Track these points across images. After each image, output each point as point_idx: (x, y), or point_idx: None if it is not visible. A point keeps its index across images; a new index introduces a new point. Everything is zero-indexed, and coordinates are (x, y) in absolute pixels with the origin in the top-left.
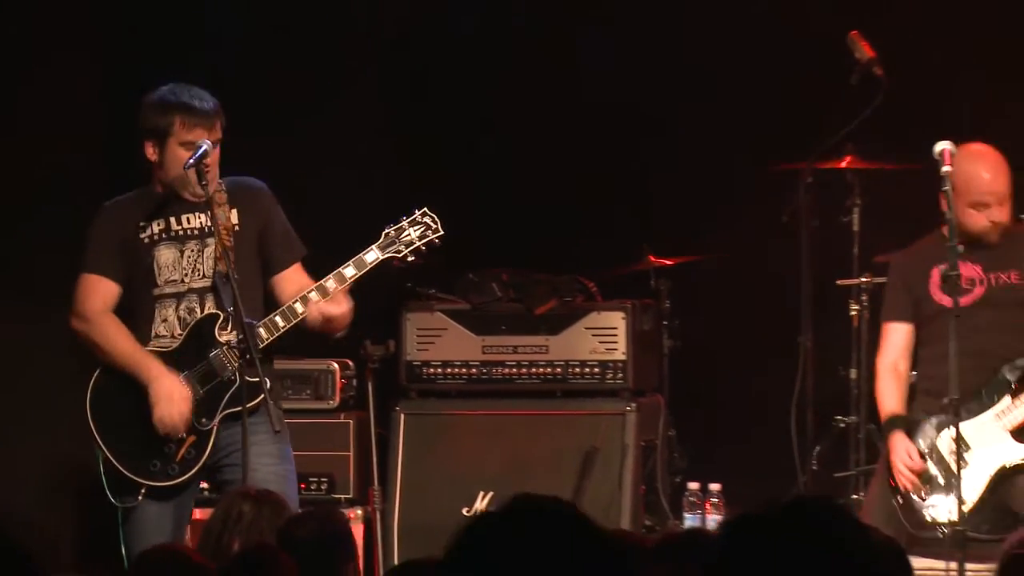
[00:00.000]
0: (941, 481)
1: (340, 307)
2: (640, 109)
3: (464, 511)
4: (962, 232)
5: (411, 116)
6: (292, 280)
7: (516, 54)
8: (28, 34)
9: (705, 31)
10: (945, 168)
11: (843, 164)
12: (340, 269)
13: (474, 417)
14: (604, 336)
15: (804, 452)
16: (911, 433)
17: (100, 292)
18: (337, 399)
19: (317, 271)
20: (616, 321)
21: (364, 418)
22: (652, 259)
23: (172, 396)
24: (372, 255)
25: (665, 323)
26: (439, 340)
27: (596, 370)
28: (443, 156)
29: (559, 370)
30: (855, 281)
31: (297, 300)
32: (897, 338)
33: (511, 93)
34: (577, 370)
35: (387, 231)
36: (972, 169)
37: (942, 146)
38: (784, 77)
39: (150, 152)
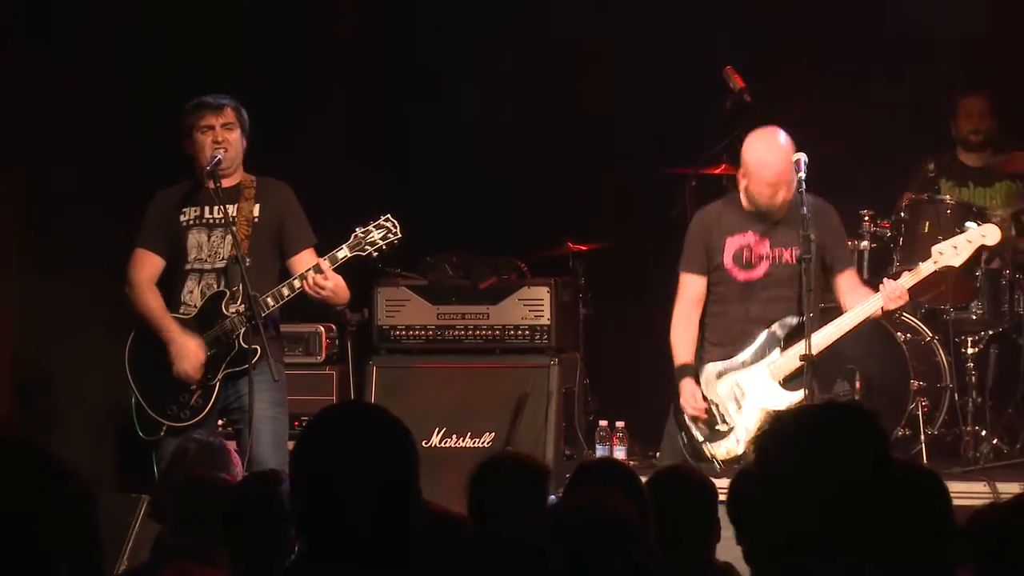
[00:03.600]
0: (718, 422)
1: (329, 282)
2: (563, 128)
3: (423, 443)
4: (755, 204)
5: (378, 129)
6: (302, 262)
7: (448, 68)
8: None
9: (611, 59)
10: (799, 174)
11: (719, 171)
12: (323, 259)
13: (431, 369)
14: (533, 306)
15: None
16: (697, 379)
17: (147, 264)
18: (323, 355)
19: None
20: (543, 294)
21: (344, 370)
22: (570, 245)
23: (188, 351)
24: (343, 252)
25: (581, 295)
26: (403, 309)
27: (527, 332)
28: (408, 164)
29: (498, 332)
30: None
31: (297, 277)
32: (692, 288)
33: (459, 111)
34: (512, 332)
35: (355, 232)
36: (760, 154)
37: (796, 156)
38: (675, 100)
39: (187, 147)
